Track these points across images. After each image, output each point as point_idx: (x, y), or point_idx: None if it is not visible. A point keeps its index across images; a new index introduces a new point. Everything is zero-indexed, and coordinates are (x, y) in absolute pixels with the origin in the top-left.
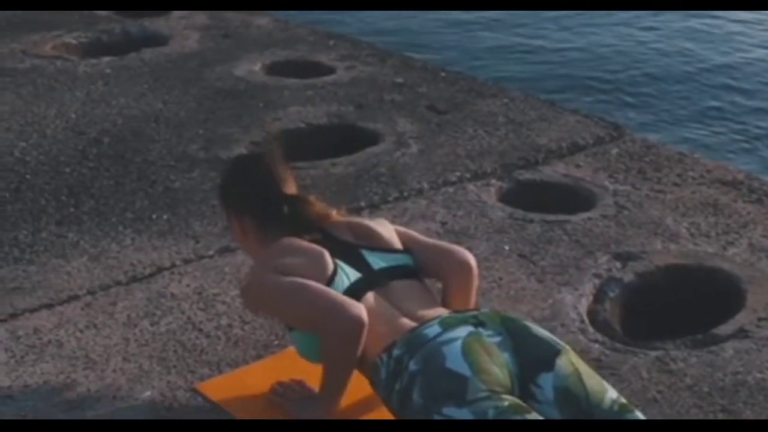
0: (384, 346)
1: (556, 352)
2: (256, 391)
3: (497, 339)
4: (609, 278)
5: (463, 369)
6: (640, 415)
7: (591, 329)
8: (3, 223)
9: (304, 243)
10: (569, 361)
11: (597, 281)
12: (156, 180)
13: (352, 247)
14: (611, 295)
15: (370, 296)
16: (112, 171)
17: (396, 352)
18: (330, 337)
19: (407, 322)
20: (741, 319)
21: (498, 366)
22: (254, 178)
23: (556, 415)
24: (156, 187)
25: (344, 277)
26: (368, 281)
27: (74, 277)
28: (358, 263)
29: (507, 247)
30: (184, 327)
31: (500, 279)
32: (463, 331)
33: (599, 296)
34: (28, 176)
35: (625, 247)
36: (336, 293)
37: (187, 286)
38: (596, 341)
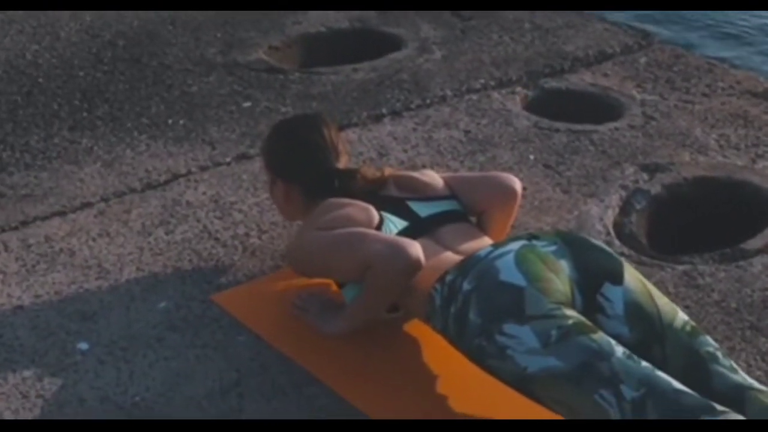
0: (437, 278)
1: (621, 265)
2: (274, 303)
3: (552, 248)
4: (636, 190)
5: (518, 279)
6: (710, 340)
7: (617, 242)
8: (15, 128)
9: (347, 200)
10: (636, 277)
11: (623, 193)
12: (172, 84)
13: (397, 200)
14: (638, 207)
15: (419, 242)
16: (127, 75)
17: (449, 277)
18: (384, 275)
19: (460, 257)
20: None
21: (555, 273)
22: (308, 149)
23: (625, 332)
24: (172, 91)
25: (391, 226)
26: (416, 228)
27: (87, 184)
28: (405, 214)
29: (532, 157)
30: (200, 236)
31: (525, 189)
32: (515, 245)
33: (625, 208)
34: (40, 80)
35: (652, 159)
36: (389, 235)
37: (204, 193)
38: (622, 254)
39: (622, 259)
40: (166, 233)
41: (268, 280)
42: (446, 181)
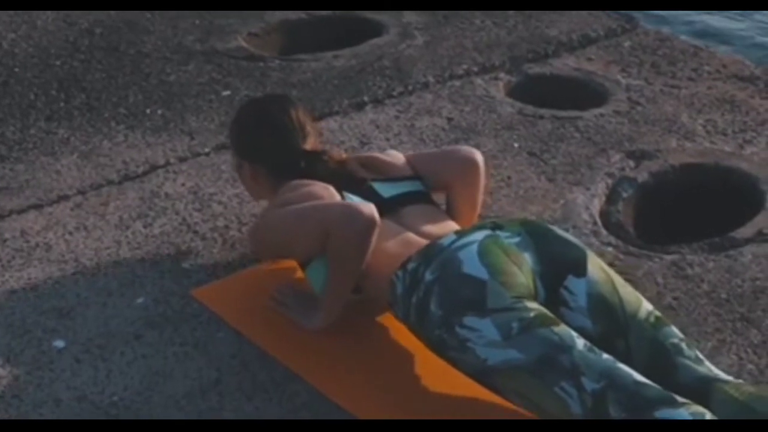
0: (399, 264)
1: (585, 256)
2: (254, 297)
3: (516, 239)
4: (622, 178)
5: (481, 273)
6: (675, 331)
7: (604, 232)
8: None
9: (309, 181)
10: (600, 267)
11: (610, 181)
12: (150, 73)
13: (361, 181)
14: (624, 195)
15: (382, 222)
16: (104, 63)
17: (411, 265)
18: (342, 239)
19: (422, 240)
20: (760, 221)
21: (518, 266)
22: (275, 129)
23: (588, 324)
24: (150, 80)
25: None
26: (378, 209)
27: (64, 176)
28: (368, 194)
29: (516, 145)
30: (179, 229)
31: (509, 178)
32: (479, 235)
33: (612, 196)
34: (16, 69)
35: (638, 145)
36: (343, 201)
37: (182, 185)
38: (609, 244)
39: (587, 250)
40: (144, 226)
41: (248, 273)
42: (409, 160)
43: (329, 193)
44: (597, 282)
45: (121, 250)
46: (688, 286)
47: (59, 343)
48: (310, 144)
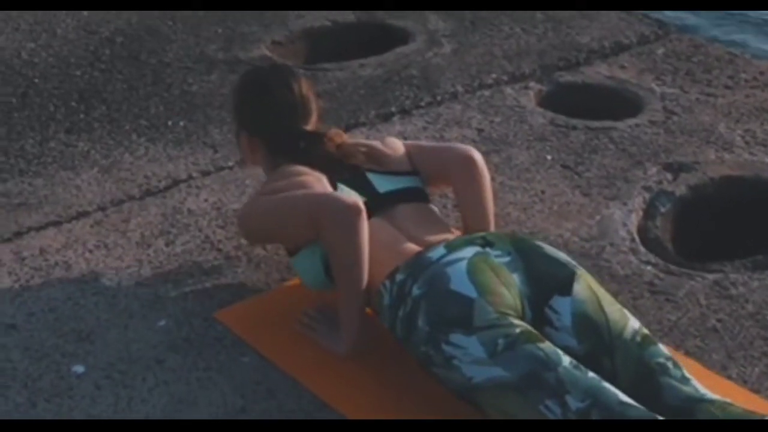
0: (388, 273)
1: (572, 275)
2: (280, 320)
3: (506, 259)
4: (659, 191)
5: (469, 290)
6: (663, 348)
7: (643, 249)
8: (9, 131)
9: (303, 168)
10: (587, 285)
11: (647, 195)
12: (172, 83)
13: (357, 170)
14: (662, 210)
15: (374, 221)
16: (125, 74)
17: (399, 276)
18: (329, 230)
19: (412, 247)
20: None
21: (506, 287)
22: (277, 106)
23: (573, 344)
24: (172, 91)
25: None
26: (372, 205)
27: (84, 192)
28: (363, 186)
29: (549, 157)
30: (202, 246)
31: (542, 192)
32: (469, 252)
33: (650, 211)
34: (36, 80)
35: (675, 157)
36: (327, 191)
37: (205, 200)
38: (649, 263)
39: (577, 268)
40: (167, 244)
41: (274, 294)
42: (408, 150)
43: (321, 185)
44: (582, 301)
45: (142, 270)
46: (732, 308)
47: (79, 368)
48: (312, 123)
